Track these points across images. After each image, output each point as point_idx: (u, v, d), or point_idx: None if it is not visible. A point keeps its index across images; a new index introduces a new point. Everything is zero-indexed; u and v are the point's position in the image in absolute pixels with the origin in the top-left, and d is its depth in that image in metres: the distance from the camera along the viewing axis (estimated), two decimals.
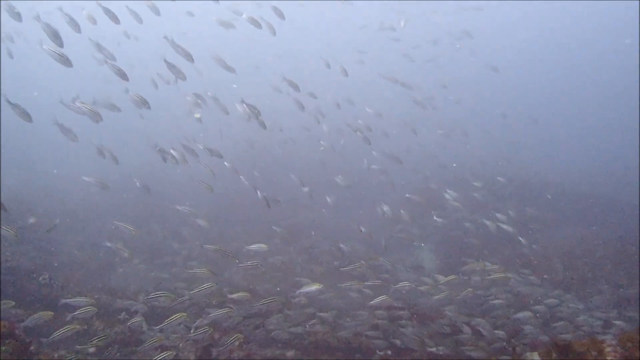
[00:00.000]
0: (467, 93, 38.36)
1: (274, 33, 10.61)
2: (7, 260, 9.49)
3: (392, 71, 24.83)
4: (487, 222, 12.46)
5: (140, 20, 10.88)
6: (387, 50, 27.35)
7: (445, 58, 32.69)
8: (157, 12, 10.63)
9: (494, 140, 29.50)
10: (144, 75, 14.17)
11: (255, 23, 10.53)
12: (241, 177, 10.34)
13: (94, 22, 10.08)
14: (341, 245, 11.56)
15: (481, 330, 8.01)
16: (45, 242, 12.82)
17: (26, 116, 7.38)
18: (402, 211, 12.55)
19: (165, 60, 8.96)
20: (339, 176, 12.73)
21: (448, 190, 13.48)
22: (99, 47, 8.94)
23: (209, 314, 7.47)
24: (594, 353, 4.30)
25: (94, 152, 10.19)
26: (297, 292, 7.79)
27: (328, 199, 13.71)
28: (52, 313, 6.77)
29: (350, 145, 20.94)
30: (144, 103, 8.45)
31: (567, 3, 46.45)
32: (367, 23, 27.85)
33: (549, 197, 18.03)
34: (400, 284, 8.19)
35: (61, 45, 7.34)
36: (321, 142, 16.39)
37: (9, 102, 7.14)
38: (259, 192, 10.35)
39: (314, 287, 7.51)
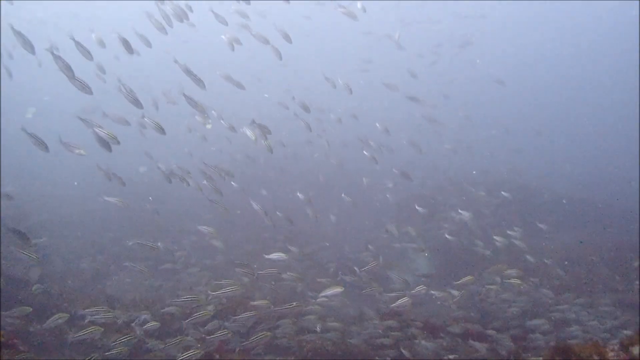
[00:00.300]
0: (468, 97, 38.78)
1: (280, 57, 10.46)
2: (2, 269, 9.48)
3: (395, 79, 25.10)
4: (487, 230, 12.60)
5: (149, 44, 10.74)
6: (389, 57, 27.65)
7: (446, 64, 33.06)
8: (164, 32, 10.49)
9: (496, 147, 29.69)
10: (145, 84, 14.25)
11: (263, 39, 10.55)
12: (252, 203, 10.39)
13: (103, 45, 9.86)
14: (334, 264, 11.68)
15: (493, 338, 8.11)
16: (42, 249, 12.87)
17: (42, 145, 7.30)
18: (409, 227, 12.65)
19: (184, 95, 8.99)
20: (344, 194, 12.79)
21: (461, 211, 13.52)
22: (120, 82, 8.81)
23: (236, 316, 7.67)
24: (596, 357, 4.36)
25: (95, 155, 10.19)
26: (320, 294, 7.96)
27: (332, 217, 13.83)
28: (69, 315, 7.00)
29: (352, 154, 21.14)
30: (159, 129, 8.38)
31: (566, 5, 46.91)
32: (370, 29, 28.16)
33: (564, 201, 18.21)
34: (417, 289, 8.23)
35: (73, 77, 7.23)
36: (316, 155, 16.66)
37: (26, 132, 7.13)
38: (266, 215, 10.37)
39: (332, 291, 7.73)
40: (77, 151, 7.81)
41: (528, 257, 11.66)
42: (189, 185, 10.14)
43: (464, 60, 33.91)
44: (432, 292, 8.89)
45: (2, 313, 7.12)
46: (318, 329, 8.17)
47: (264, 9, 20.38)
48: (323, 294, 7.87)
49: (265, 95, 21.13)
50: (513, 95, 46.90)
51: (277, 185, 19.70)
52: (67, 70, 7.12)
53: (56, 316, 6.91)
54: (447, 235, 12.58)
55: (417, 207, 14.48)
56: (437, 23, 30.75)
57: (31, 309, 7.22)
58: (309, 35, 27.75)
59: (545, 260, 12.18)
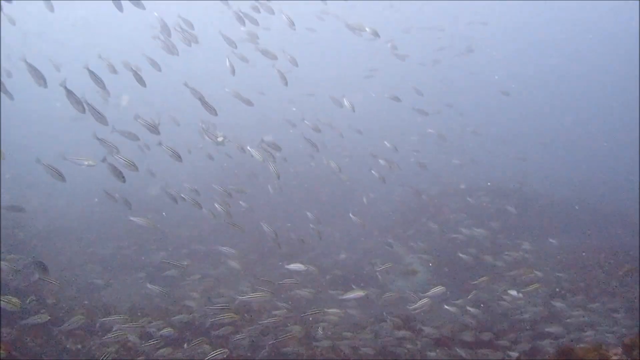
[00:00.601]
0: (468, 100, 39.09)
1: (286, 83, 10.50)
2: None
3: (397, 83, 25.34)
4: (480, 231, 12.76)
5: (159, 69, 10.86)
6: (392, 63, 28.02)
7: (448, 70, 33.44)
8: (175, 53, 10.60)
9: (499, 155, 29.84)
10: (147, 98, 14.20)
11: (271, 55, 10.65)
12: (264, 225, 10.60)
13: (114, 71, 9.72)
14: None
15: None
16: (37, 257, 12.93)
17: (60, 176, 7.24)
18: (420, 243, 12.77)
19: (203, 128, 9.05)
20: (354, 216, 12.92)
21: (476, 229, 13.62)
22: (137, 115, 8.70)
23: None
24: None
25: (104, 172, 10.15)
26: (342, 297, 8.26)
27: (337, 234, 13.99)
28: (84, 317, 7.23)
29: (354, 160, 21.33)
30: (176, 157, 8.41)
31: (565, 7, 47.38)
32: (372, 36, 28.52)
33: (577, 207, 18.32)
34: (433, 290, 8.34)
35: (83, 111, 7.18)
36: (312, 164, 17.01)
37: (42, 164, 7.11)
38: (276, 237, 10.58)
39: (355, 294, 8.09)
40: (86, 163, 7.46)
41: (529, 257, 11.81)
42: (201, 208, 10.15)
43: (466, 64, 34.32)
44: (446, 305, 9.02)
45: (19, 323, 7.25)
46: (320, 332, 8.34)
47: (267, 17, 20.69)
48: (345, 296, 8.14)
49: (293, 108, 21.56)
50: (514, 99, 47.16)
51: (279, 195, 19.87)
52: (78, 105, 7.10)
53: (75, 318, 7.13)
54: (460, 254, 12.64)
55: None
56: (441, 30, 31.12)
57: (49, 317, 7.29)
58: (312, 43, 28.19)
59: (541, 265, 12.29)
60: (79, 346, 7.68)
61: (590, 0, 44.94)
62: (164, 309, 9.55)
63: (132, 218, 9.23)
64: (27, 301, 8.81)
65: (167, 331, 7.48)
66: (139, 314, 9.10)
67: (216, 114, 9.03)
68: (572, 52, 55.84)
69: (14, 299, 6.39)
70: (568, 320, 9.22)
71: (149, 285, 9.03)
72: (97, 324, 7.53)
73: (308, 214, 13.65)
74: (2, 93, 7.71)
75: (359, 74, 26.82)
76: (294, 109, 21.84)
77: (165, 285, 12.72)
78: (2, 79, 7.39)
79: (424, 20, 38.38)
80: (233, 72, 10.33)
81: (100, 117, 7.42)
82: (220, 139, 10.37)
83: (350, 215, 12.60)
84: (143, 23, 13.47)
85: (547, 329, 8.90)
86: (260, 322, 7.87)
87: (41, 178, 24.30)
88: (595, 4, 45.71)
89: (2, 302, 6.16)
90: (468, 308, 9.33)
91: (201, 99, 8.90)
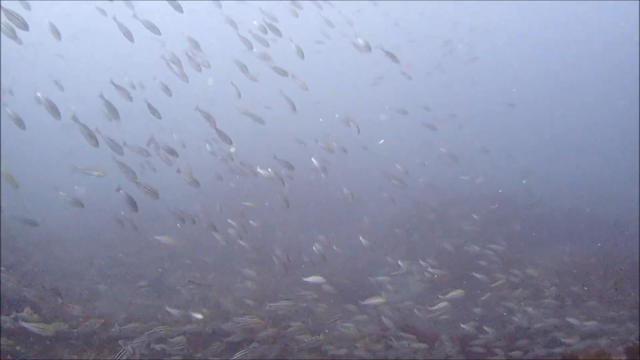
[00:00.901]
0: (471, 107, 39.39)
1: (295, 110, 10.54)
2: None
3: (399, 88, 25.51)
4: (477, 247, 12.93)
5: (169, 94, 10.86)
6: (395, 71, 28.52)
7: (451, 76, 33.79)
8: (186, 79, 10.62)
9: (504, 167, 30.00)
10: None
11: (282, 72, 10.70)
12: (275, 248, 10.77)
13: (130, 99, 9.50)
14: None
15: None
16: (31, 268, 13.07)
17: (79, 205, 7.42)
18: (427, 262, 12.92)
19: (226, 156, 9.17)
20: (363, 238, 13.08)
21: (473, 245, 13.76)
22: (152, 139, 8.89)
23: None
24: None
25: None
26: (363, 303, 8.62)
27: (335, 248, 14.20)
28: (103, 320, 7.59)
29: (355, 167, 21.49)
30: (194, 183, 8.52)
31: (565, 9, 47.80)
32: (375, 43, 28.87)
33: (588, 210, 18.39)
34: (451, 294, 8.52)
35: (96, 145, 7.29)
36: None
37: (61, 193, 7.36)
38: (280, 259, 10.76)
39: (375, 300, 8.56)
40: (95, 173, 7.36)
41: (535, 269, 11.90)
42: (216, 230, 10.24)
43: (470, 70, 34.74)
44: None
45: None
46: (321, 337, 8.49)
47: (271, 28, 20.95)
48: (366, 302, 8.47)
49: (320, 119, 21.99)
50: (516, 103, 47.28)
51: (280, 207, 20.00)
52: (91, 138, 7.20)
53: (92, 320, 7.45)
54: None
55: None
56: (448, 42, 31.51)
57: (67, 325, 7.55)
58: (318, 52, 28.63)
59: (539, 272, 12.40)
60: (75, 357, 7.74)
61: (590, 1, 45.29)
62: (161, 319, 9.65)
63: (157, 237, 9.34)
64: (25, 312, 8.97)
65: (178, 339, 7.64)
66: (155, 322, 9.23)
67: (231, 143, 9.03)
68: (571, 56, 56.26)
69: (49, 326, 6.69)
70: (573, 329, 9.31)
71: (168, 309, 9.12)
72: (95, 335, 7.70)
73: (315, 231, 13.78)
74: (10, 119, 7.83)
75: (364, 81, 27.22)
76: (321, 119, 22.23)
77: (165, 295, 12.92)
78: (5, 100, 7.61)
79: (425, 25, 38.88)
80: (239, 94, 10.33)
81: (116, 147, 7.61)
82: (232, 150, 10.44)
83: (361, 238, 12.72)
84: (146, 37, 13.69)
85: (551, 336, 8.99)
86: (286, 331, 8.09)
87: (39, 186, 24.43)
88: (595, 5, 46.06)
89: (34, 327, 6.55)
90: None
91: (215, 127, 8.96)
